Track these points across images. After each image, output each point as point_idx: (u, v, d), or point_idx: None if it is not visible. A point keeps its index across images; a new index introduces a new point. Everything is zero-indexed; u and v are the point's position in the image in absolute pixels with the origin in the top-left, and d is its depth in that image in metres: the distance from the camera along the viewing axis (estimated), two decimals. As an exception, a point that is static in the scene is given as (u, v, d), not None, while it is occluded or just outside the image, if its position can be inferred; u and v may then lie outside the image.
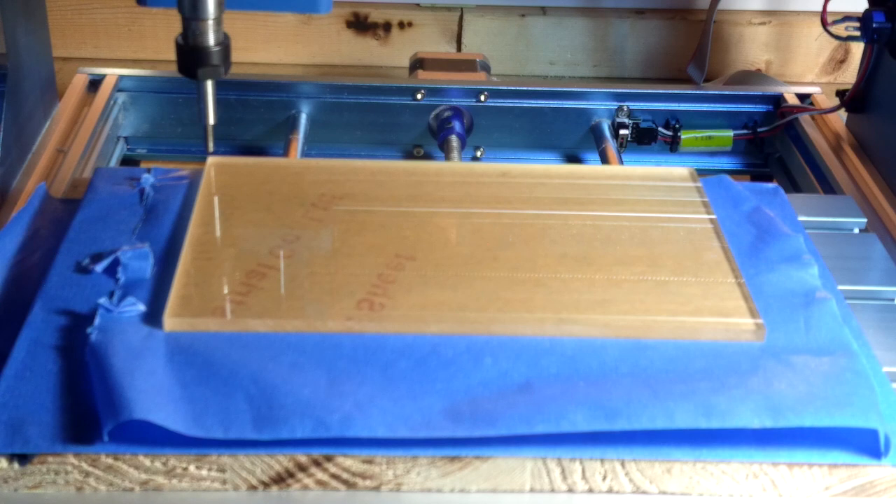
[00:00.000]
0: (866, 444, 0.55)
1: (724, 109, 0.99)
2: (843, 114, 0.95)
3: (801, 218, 0.75)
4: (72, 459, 0.52)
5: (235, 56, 1.37)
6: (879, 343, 0.64)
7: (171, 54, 1.30)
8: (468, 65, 1.05)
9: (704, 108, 0.99)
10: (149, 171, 0.74)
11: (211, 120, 0.67)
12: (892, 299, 0.71)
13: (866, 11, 0.88)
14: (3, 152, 0.79)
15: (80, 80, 0.97)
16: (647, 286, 0.64)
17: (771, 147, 1.00)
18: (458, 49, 1.26)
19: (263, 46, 1.25)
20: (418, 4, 1.24)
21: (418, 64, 1.04)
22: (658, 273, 0.65)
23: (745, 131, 0.99)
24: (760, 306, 0.62)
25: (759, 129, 0.99)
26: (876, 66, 0.90)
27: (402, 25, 1.25)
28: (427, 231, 0.68)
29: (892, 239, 0.78)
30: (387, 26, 1.25)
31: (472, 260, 0.66)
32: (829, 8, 0.90)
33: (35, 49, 0.87)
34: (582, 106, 0.98)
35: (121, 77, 0.97)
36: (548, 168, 0.78)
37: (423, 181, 0.74)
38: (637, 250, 0.67)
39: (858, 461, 0.54)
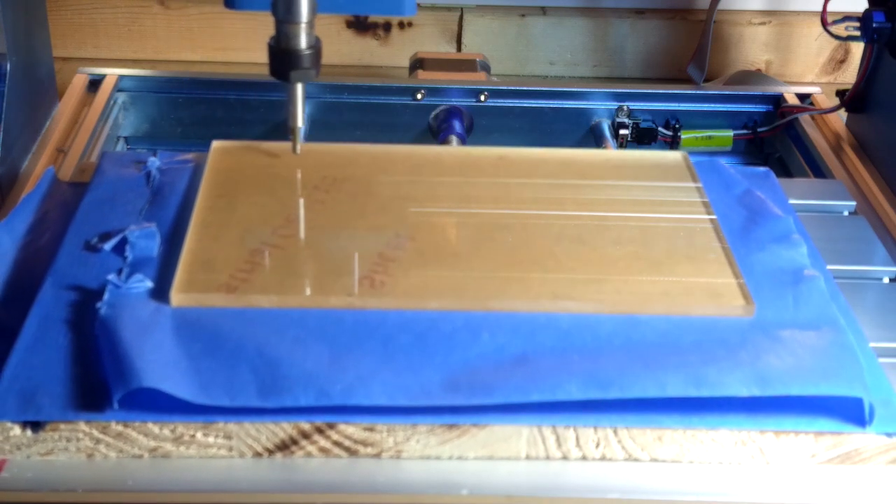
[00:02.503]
0: (851, 412, 0.56)
1: (724, 109, 0.99)
2: (843, 114, 0.95)
3: (792, 201, 0.77)
4: (83, 427, 0.54)
5: (235, 56, 1.37)
6: (867, 320, 0.66)
7: (172, 54, 1.29)
8: (468, 65, 1.05)
9: (704, 108, 0.99)
10: (154, 154, 0.76)
11: (299, 122, 0.69)
12: (881, 279, 0.73)
13: (866, 11, 0.88)
14: (4, 152, 0.79)
15: (80, 80, 0.97)
16: (641, 265, 0.66)
17: (771, 147, 1.00)
18: (458, 49, 1.26)
19: (263, 46, 1.25)
20: (418, 4, 1.24)
21: (418, 64, 1.04)
22: (651, 253, 0.67)
23: (745, 131, 0.99)
24: (750, 284, 0.64)
25: (759, 129, 0.99)
26: (876, 66, 0.90)
27: (402, 25, 1.25)
28: (426, 213, 0.70)
29: (893, 239, 0.78)
30: (387, 26, 1.25)
31: (469, 241, 0.67)
32: (829, 8, 0.90)
33: (35, 49, 0.87)
34: (582, 106, 0.98)
35: (121, 77, 0.97)
36: (544, 152, 0.79)
37: (423, 165, 0.76)
38: (631, 231, 0.69)
39: (843, 429, 0.56)
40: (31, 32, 0.86)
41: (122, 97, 0.97)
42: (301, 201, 0.71)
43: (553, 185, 0.74)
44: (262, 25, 1.24)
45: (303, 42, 0.65)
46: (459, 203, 0.72)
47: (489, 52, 1.16)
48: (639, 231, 0.69)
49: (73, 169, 0.82)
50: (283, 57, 0.65)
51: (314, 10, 0.64)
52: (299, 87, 0.67)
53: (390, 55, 1.26)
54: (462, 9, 1.24)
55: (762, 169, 0.80)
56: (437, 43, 1.25)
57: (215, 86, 0.98)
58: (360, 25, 1.25)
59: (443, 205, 0.71)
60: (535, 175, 0.75)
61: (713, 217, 0.71)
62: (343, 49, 1.26)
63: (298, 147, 0.71)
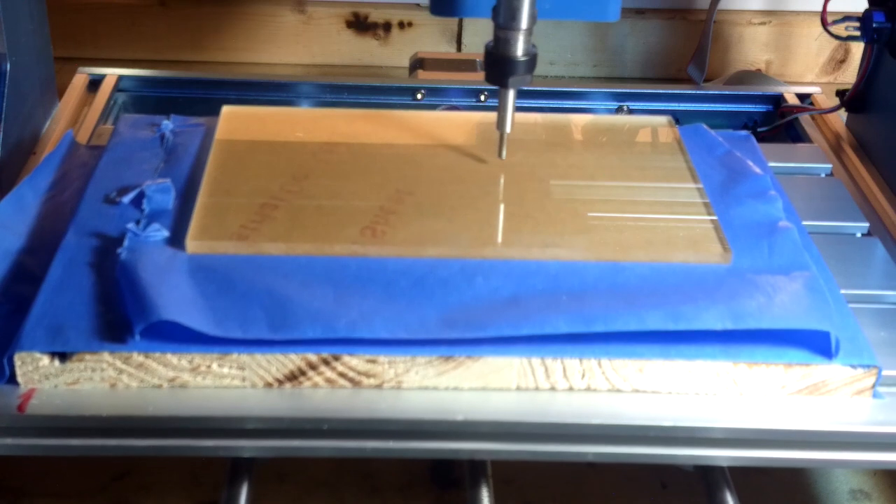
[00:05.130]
0: (819, 345, 0.60)
1: (724, 109, 0.99)
2: (843, 114, 0.95)
3: (772, 164, 0.81)
4: (107, 357, 0.58)
5: (235, 56, 1.37)
6: (839, 270, 0.70)
7: (172, 54, 1.28)
8: (468, 65, 1.05)
9: (704, 108, 0.99)
10: (168, 117, 0.80)
11: (508, 128, 0.72)
12: (854, 234, 0.77)
13: (866, 11, 0.88)
14: (3, 152, 0.79)
15: (80, 80, 0.97)
16: (626, 218, 0.70)
17: (771, 147, 1.00)
18: (458, 49, 1.26)
19: (263, 46, 1.25)
20: (418, 4, 1.24)
21: (418, 64, 1.04)
22: (636, 206, 0.71)
23: (745, 131, 0.99)
24: (729, 235, 0.68)
25: (759, 129, 0.99)
26: (876, 66, 0.90)
27: (402, 25, 1.25)
28: (426, 170, 0.74)
29: (894, 240, 0.78)
30: (387, 26, 1.25)
31: (466, 195, 0.71)
32: (829, 8, 0.90)
33: (35, 49, 0.87)
34: (582, 106, 0.98)
35: (121, 77, 0.97)
36: (536, 117, 0.83)
37: (423, 127, 0.80)
38: (617, 187, 0.73)
39: (812, 361, 0.60)
40: (31, 32, 0.86)
41: (122, 97, 0.97)
42: (307, 160, 0.74)
43: (545, 146, 0.78)
44: (262, 25, 1.24)
45: (520, 49, 0.68)
46: (456, 162, 0.75)
47: (489, 52, 1.16)
48: (625, 187, 0.73)
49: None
50: (501, 63, 0.68)
51: (534, 18, 0.67)
52: (512, 94, 0.70)
53: (390, 55, 1.26)
54: (462, 9, 1.24)
55: (743, 133, 0.85)
56: (437, 43, 1.26)
57: (215, 86, 0.98)
58: (360, 25, 1.25)
59: (441, 163, 0.75)
60: (529, 137, 0.79)
61: (695, 174, 0.75)
62: (343, 49, 1.26)
63: (504, 152, 0.74)
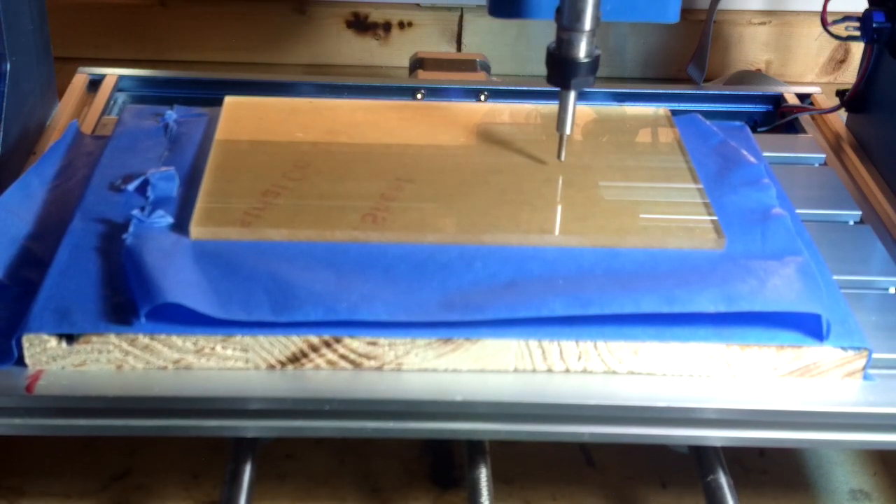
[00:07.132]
0: (810, 327, 0.61)
1: (724, 109, 1.00)
2: (843, 114, 0.95)
3: (766, 154, 0.82)
4: (113, 339, 0.59)
5: (235, 56, 1.36)
6: (831, 256, 0.71)
7: (172, 54, 1.28)
8: (468, 65, 1.05)
9: (704, 108, 0.99)
10: (172, 107, 0.82)
11: (568, 130, 0.73)
12: (847, 222, 0.79)
13: (866, 11, 0.88)
14: (3, 151, 0.79)
15: (80, 80, 0.97)
16: (623, 205, 0.71)
17: (771, 147, 1.00)
18: (458, 49, 1.26)
19: (263, 46, 1.25)
20: (418, 4, 1.24)
21: (418, 64, 1.04)
22: (632, 194, 0.73)
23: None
24: (723, 221, 0.70)
25: (758, 129, 0.99)
26: (876, 66, 0.90)
27: (402, 25, 1.25)
28: (425, 159, 0.76)
29: (892, 238, 0.78)
30: (387, 26, 1.25)
31: (465, 183, 0.73)
32: (829, 8, 0.90)
33: (35, 49, 0.88)
34: (581, 106, 0.98)
35: (121, 77, 0.97)
36: (531, 106, 0.85)
37: (422, 117, 0.82)
38: (614, 175, 0.75)
39: (803, 343, 0.61)
40: (30, 32, 0.86)
41: (121, 97, 0.97)
42: (309, 150, 0.76)
43: (543, 135, 0.79)
44: (262, 25, 1.24)
45: (583, 50, 0.68)
46: (455, 150, 0.77)
47: (489, 52, 1.17)
48: (621, 175, 0.75)
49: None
50: (563, 65, 0.69)
51: (598, 19, 0.67)
52: (574, 95, 0.71)
53: (390, 55, 1.26)
54: (462, 9, 1.24)
55: (737, 123, 0.87)
56: (437, 43, 1.26)
57: (215, 86, 0.98)
58: (360, 25, 1.25)
59: (440, 152, 0.77)
60: (526, 126, 0.81)
61: (690, 163, 0.76)
62: (343, 49, 1.26)
63: (563, 154, 0.75)
